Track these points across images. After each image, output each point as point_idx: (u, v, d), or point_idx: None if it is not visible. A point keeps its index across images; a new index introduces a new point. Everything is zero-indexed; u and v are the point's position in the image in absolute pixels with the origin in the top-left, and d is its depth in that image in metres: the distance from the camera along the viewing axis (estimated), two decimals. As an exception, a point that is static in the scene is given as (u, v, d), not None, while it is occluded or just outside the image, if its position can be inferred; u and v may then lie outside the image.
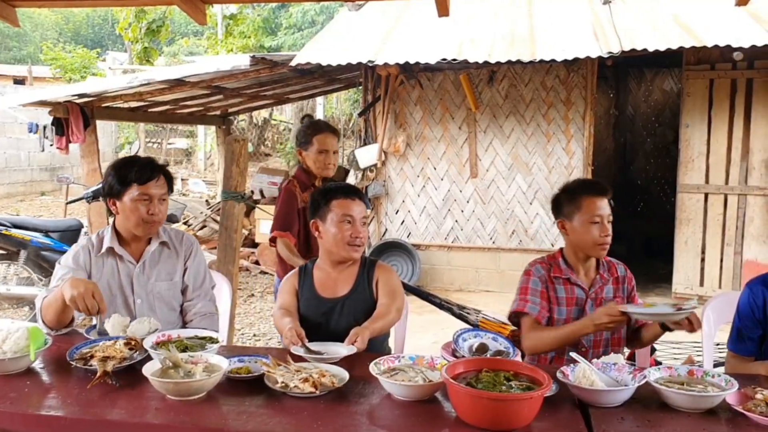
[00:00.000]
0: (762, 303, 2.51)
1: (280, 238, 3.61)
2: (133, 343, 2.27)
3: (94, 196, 6.18)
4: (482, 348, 2.52)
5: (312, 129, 3.69)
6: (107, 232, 2.80)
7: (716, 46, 6.04)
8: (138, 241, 2.81)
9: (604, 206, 2.65)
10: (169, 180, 2.82)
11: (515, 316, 2.78)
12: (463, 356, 2.42)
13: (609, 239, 2.65)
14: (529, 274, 2.77)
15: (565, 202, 2.72)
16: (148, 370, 2.03)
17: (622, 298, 2.75)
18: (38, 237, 6.02)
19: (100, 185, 2.88)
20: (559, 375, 2.09)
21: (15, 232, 5.97)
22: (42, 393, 2.07)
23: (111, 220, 2.82)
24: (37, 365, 2.26)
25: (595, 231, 2.63)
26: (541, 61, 6.51)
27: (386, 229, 7.88)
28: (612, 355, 2.33)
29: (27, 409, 1.94)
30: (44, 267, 6.04)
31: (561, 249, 2.81)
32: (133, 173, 2.69)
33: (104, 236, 2.79)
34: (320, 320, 2.70)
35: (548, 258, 2.81)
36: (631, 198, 10.31)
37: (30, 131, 8.77)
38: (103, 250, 2.75)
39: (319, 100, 15.25)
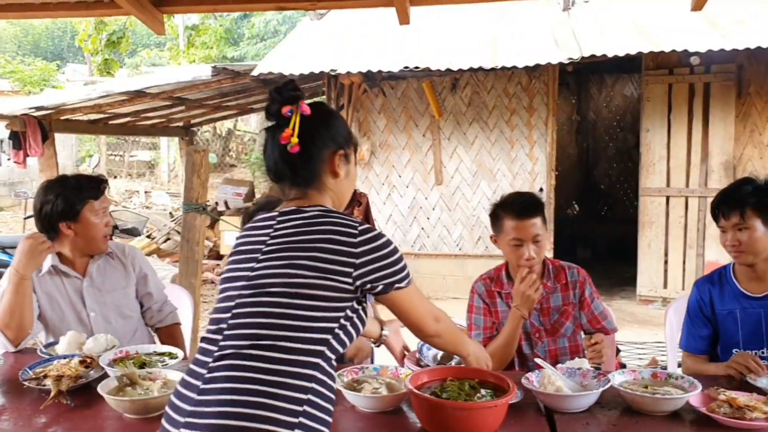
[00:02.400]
0: (709, 300, 2.54)
1: None
2: (89, 360, 2.20)
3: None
4: (447, 356, 2.50)
5: None
6: (47, 262, 2.71)
7: (674, 51, 6.15)
8: (81, 257, 2.74)
9: (526, 228, 2.53)
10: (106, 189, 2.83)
11: None
12: (428, 365, 2.40)
13: (534, 261, 2.55)
14: (473, 292, 2.75)
15: (493, 217, 2.65)
16: (103, 388, 1.97)
17: (573, 304, 2.66)
18: (-6, 253, 5.88)
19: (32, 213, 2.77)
20: (524, 381, 2.08)
21: (-30, 248, 5.82)
22: (-7, 416, 1.99)
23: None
24: (-10, 388, 2.18)
25: (516, 253, 2.56)
26: (503, 68, 6.56)
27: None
28: (577, 360, 2.33)
29: (-21, 434, 1.87)
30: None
31: (506, 261, 2.74)
32: (86, 190, 2.64)
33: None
34: None
35: (494, 271, 2.76)
36: (595, 202, 10.43)
37: (-14, 145, 8.59)
38: (44, 270, 2.66)
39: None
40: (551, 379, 2.06)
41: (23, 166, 7.80)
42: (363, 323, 1.68)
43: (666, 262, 7.16)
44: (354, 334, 1.65)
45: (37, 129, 7.39)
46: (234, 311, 1.60)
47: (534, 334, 2.65)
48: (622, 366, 2.59)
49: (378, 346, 2.75)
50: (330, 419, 1.56)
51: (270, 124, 1.75)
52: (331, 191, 1.76)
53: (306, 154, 1.69)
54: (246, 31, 19.91)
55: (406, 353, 2.63)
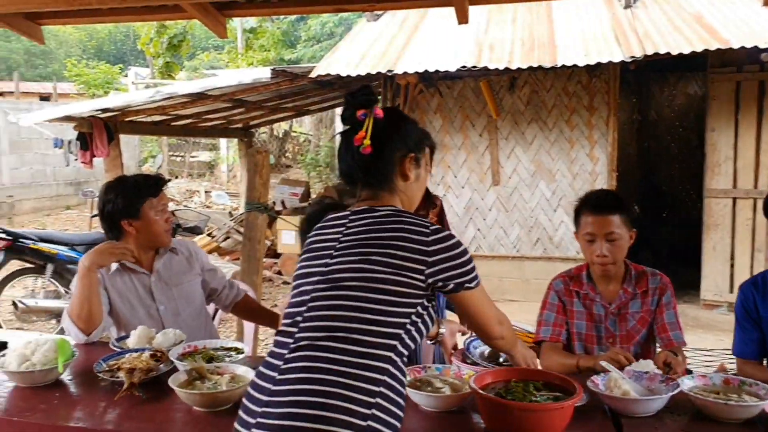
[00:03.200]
0: (753, 304, 2.49)
1: None
2: (159, 354, 2.27)
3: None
4: (494, 355, 2.48)
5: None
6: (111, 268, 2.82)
7: (742, 48, 5.94)
8: (147, 254, 2.85)
9: (600, 224, 2.52)
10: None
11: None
12: (475, 363, 2.39)
13: (606, 259, 2.52)
14: (549, 288, 2.74)
15: (575, 214, 2.66)
16: (174, 381, 2.03)
17: (651, 311, 2.60)
18: (64, 250, 6.10)
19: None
20: (589, 384, 2.05)
21: (42, 246, 6.04)
22: (70, 405, 2.07)
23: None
24: (65, 377, 2.26)
25: (590, 249, 2.55)
26: (563, 67, 6.47)
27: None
28: (642, 361, 2.27)
29: (56, 421, 1.94)
30: (70, 280, 6.04)
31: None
32: (145, 188, 2.75)
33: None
34: None
35: (574, 270, 2.74)
36: (657, 204, 10.17)
37: (55, 146, 8.90)
38: (114, 268, 2.77)
39: (338, 111, 15.30)
40: (618, 383, 2.03)
41: (90, 166, 8.05)
42: (432, 321, 1.71)
43: (732, 266, 6.94)
44: (424, 331, 1.69)
45: (103, 130, 7.62)
46: (309, 305, 1.65)
47: (607, 339, 2.60)
48: (689, 372, 2.51)
49: (434, 344, 2.76)
50: (402, 414, 1.58)
51: (345, 128, 1.82)
52: (402, 193, 1.81)
53: (378, 156, 1.75)
54: (302, 33, 20.14)
55: (453, 351, 2.64)
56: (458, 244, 1.72)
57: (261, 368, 1.65)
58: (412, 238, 1.66)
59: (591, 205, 2.58)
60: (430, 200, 3.44)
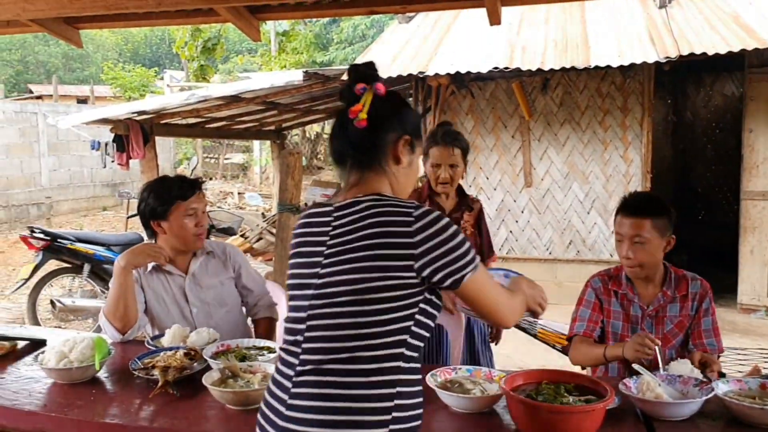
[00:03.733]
0: None
1: None
2: (192, 353, 2.30)
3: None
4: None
5: (430, 140, 3.34)
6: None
7: (781, 47, 5.84)
8: (183, 255, 2.87)
9: (628, 226, 2.51)
10: (203, 192, 2.92)
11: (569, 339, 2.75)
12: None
13: (630, 261, 2.51)
14: (587, 286, 2.73)
15: (615, 215, 2.66)
16: (207, 379, 2.06)
17: (690, 316, 2.56)
18: (101, 251, 6.21)
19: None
20: (621, 387, 2.03)
21: (79, 246, 6.17)
22: (107, 402, 2.12)
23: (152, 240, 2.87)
24: (102, 374, 2.31)
25: (618, 249, 2.56)
26: (596, 68, 6.40)
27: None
28: (679, 361, 2.24)
29: (93, 417, 1.99)
30: (107, 280, 6.22)
31: None
32: (175, 190, 2.76)
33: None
34: None
35: (614, 270, 2.72)
36: (692, 206, 10.01)
37: (92, 148, 9.09)
38: (150, 268, 2.82)
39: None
40: (650, 386, 2.01)
41: (126, 167, 8.20)
42: (438, 309, 1.63)
43: (770, 269, 6.80)
44: (431, 323, 1.61)
45: (139, 132, 7.74)
46: (308, 323, 1.58)
47: None
48: (722, 375, 2.47)
49: None
50: (421, 409, 1.59)
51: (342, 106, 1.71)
52: (392, 177, 1.70)
53: (372, 132, 1.65)
54: (335, 36, 20.24)
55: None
56: (447, 226, 1.58)
57: (271, 386, 1.63)
58: (395, 231, 1.54)
59: (626, 206, 2.57)
60: (465, 202, 3.43)
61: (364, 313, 1.52)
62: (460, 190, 3.43)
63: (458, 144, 3.28)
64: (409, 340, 1.55)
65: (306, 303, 1.60)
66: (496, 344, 3.58)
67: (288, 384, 1.56)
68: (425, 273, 1.54)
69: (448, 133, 3.33)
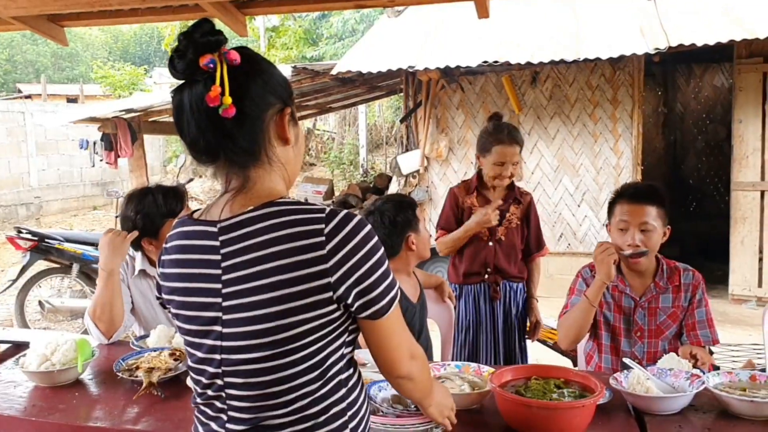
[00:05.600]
0: None
1: (438, 235, 3.54)
2: (177, 353, 2.27)
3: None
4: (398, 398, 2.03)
5: (493, 137, 3.30)
6: (137, 255, 2.81)
7: (769, 38, 5.83)
8: None
9: (634, 212, 2.48)
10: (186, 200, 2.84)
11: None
12: (376, 410, 1.87)
13: (640, 249, 2.47)
14: (578, 276, 2.71)
15: (609, 204, 2.64)
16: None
17: (683, 308, 2.55)
18: (90, 250, 6.17)
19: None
20: (612, 382, 2.01)
21: (68, 246, 6.12)
22: (90, 404, 2.08)
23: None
24: (85, 377, 2.27)
25: (621, 238, 2.51)
26: (586, 60, 6.39)
27: (430, 235, 7.81)
28: (665, 356, 2.22)
29: (75, 421, 1.95)
30: (95, 280, 6.17)
31: None
32: (164, 208, 2.68)
33: (135, 259, 2.82)
34: None
35: None
36: (683, 198, 10.03)
37: (81, 147, 9.03)
38: (136, 272, 2.78)
39: (362, 108, 15.30)
40: (640, 380, 1.99)
41: (114, 166, 8.17)
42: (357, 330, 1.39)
43: (761, 260, 6.81)
44: (355, 336, 1.38)
45: (127, 131, 7.71)
46: (226, 379, 1.30)
47: (635, 333, 2.55)
48: (716, 368, 2.45)
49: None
50: (368, 407, 1.43)
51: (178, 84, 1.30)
52: (279, 165, 1.34)
53: (243, 118, 1.26)
54: (324, 31, 20.15)
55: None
56: (367, 238, 1.28)
57: None
58: (304, 246, 1.23)
59: (628, 194, 2.55)
60: (513, 195, 3.38)
61: (292, 363, 1.26)
62: (509, 183, 3.41)
63: (520, 141, 3.33)
64: (342, 366, 1.33)
65: (216, 357, 1.29)
66: (533, 341, 3.56)
67: None
68: (340, 291, 1.25)
69: (513, 130, 3.33)
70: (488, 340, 3.36)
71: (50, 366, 2.19)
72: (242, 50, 1.30)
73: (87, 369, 2.27)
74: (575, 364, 3.36)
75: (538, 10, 7.72)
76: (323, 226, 1.24)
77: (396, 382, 1.43)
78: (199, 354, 1.32)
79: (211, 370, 1.31)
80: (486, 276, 3.34)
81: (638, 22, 6.84)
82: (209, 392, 1.33)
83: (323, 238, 1.23)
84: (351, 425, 1.35)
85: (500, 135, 3.28)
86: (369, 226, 1.30)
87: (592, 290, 2.45)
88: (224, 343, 1.27)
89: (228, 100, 1.22)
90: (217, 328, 1.28)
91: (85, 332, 2.84)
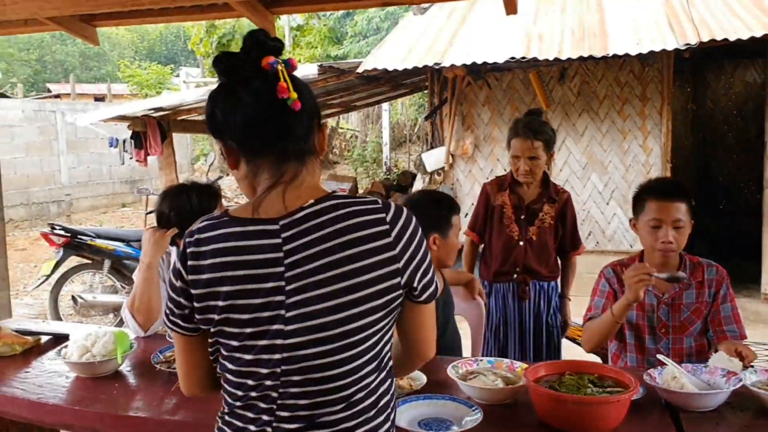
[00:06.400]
0: None
1: (466, 236, 3.53)
2: (214, 346, 2.30)
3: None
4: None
5: (512, 130, 3.28)
6: (173, 250, 2.85)
7: (804, 33, 5.73)
8: None
9: (667, 209, 2.44)
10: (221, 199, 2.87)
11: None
12: None
13: (672, 246, 2.44)
14: (600, 276, 2.68)
15: (636, 200, 2.59)
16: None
17: (707, 303, 2.52)
18: (121, 246, 6.25)
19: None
20: (646, 378, 2.01)
21: (99, 242, 6.21)
22: (129, 395, 2.13)
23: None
24: (124, 368, 2.33)
25: (653, 235, 2.47)
26: (614, 56, 6.33)
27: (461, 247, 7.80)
28: (716, 355, 2.19)
29: (116, 411, 2.00)
30: (127, 275, 6.27)
31: (642, 250, 2.65)
32: (197, 207, 2.69)
33: (171, 254, 2.86)
34: None
35: (627, 259, 2.68)
36: (713, 195, 9.90)
37: (111, 146, 9.15)
38: (172, 267, 2.81)
39: (385, 106, 15.32)
40: (675, 376, 1.98)
41: (144, 164, 8.27)
42: None
43: (794, 258, 6.71)
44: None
45: (156, 129, 7.81)
46: (282, 379, 1.29)
47: (660, 329, 2.53)
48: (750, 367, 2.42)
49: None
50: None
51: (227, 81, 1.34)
52: (316, 171, 1.40)
53: (303, 114, 1.33)
54: (349, 29, 20.19)
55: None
56: (417, 229, 1.37)
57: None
58: (371, 234, 1.29)
59: (658, 191, 2.50)
60: (548, 193, 3.31)
61: (358, 349, 1.28)
62: (545, 181, 3.36)
63: (540, 136, 3.19)
64: (391, 353, 1.41)
65: (273, 356, 1.28)
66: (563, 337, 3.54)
67: None
68: (407, 275, 1.32)
69: (530, 124, 3.24)
70: (516, 339, 3.34)
71: (90, 357, 2.25)
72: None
73: (125, 361, 2.32)
74: (606, 361, 3.35)
75: (565, 5, 7.67)
76: (384, 215, 1.31)
77: (420, 364, 1.53)
78: (248, 357, 1.30)
79: (263, 371, 1.29)
80: (515, 276, 3.32)
81: (668, 18, 6.76)
82: (252, 394, 1.31)
83: (387, 227, 1.30)
84: (391, 417, 1.39)
85: (517, 128, 3.25)
86: (414, 220, 1.37)
87: (618, 309, 2.39)
88: (286, 341, 1.27)
89: (294, 95, 1.29)
90: (277, 326, 1.27)
91: (119, 326, 2.89)
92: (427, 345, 1.47)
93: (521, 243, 3.29)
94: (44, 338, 2.67)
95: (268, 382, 1.29)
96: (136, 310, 2.62)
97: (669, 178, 2.40)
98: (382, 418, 1.35)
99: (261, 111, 1.31)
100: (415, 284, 1.34)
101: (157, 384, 2.18)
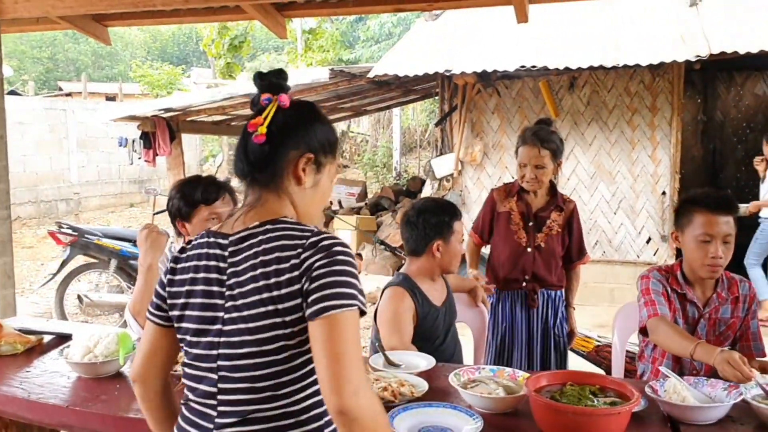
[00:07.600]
0: None
1: (470, 236, 3.55)
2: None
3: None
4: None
5: (520, 138, 3.31)
6: (176, 248, 2.85)
7: (815, 46, 5.71)
8: None
9: (717, 224, 2.36)
10: (233, 196, 2.85)
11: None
12: None
13: (721, 261, 2.37)
14: (648, 278, 2.55)
15: (681, 212, 2.50)
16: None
17: (741, 318, 2.49)
18: (128, 247, 6.28)
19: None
20: (647, 390, 2.00)
21: (106, 242, 6.24)
22: (131, 396, 2.11)
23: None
24: (126, 369, 2.33)
25: (702, 250, 2.38)
26: (625, 67, 6.32)
27: (464, 240, 7.79)
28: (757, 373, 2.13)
29: (117, 412, 2.01)
30: (133, 275, 6.29)
31: (680, 261, 2.57)
32: (199, 194, 2.70)
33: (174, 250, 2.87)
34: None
35: (665, 268, 2.59)
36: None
37: (120, 145, 9.21)
38: None
39: (396, 111, 15.33)
40: (677, 389, 1.97)
41: (153, 164, 8.30)
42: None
43: (801, 272, 6.67)
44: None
45: (165, 129, 7.84)
46: (220, 374, 1.43)
47: None
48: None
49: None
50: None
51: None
52: (292, 198, 1.52)
53: (270, 148, 1.48)
54: (361, 33, 20.26)
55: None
56: (344, 259, 1.39)
57: (185, 418, 1.50)
58: (285, 257, 1.39)
59: (708, 204, 2.41)
60: (555, 202, 3.32)
61: (274, 357, 1.39)
62: (552, 189, 3.37)
63: (547, 145, 3.21)
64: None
65: (213, 352, 1.43)
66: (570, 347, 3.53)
67: None
68: (304, 288, 1.36)
69: (538, 133, 3.25)
70: (522, 347, 3.33)
71: (93, 358, 2.25)
72: (303, 103, 1.56)
73: (127, 362, 2.32)
74: (609, 373, 3.33)
75: (576, 14, 7.66)
76: (309, 235, 1.41)
77: (340, 405, 1.32)
78: (195, 351, 1.47)
79: (205, 365, 1.45)
80: (524, 284, 3.31)
81: (679, 29, 6.75)
82: (201, 387, 1.46)
83: (305, 242, 1.39)
84: (329, 429, 1.46)
85: (525, 136, 3.27)
86: (346, 248, 1.41)
87: (699, 357, 2.17)
88: (222, 339, 1.42)
89: (263, 129, 1.46)
90: (217, 326, 1.43)
91: (123, 326, 2.90)
92: (332, 376, 1.30)
93: (529, 249, 3.29)
94: (47, 338, 2.68)
95: (212, 376, 1.44)
96: (137, 313, 2.62)
97: (718, 189, 2.30)
98: (315, 425, 1.44)
99: (240, 141, 1.53)
100: (308, 302, 1.35)
101: (158, 385, 2.18)
